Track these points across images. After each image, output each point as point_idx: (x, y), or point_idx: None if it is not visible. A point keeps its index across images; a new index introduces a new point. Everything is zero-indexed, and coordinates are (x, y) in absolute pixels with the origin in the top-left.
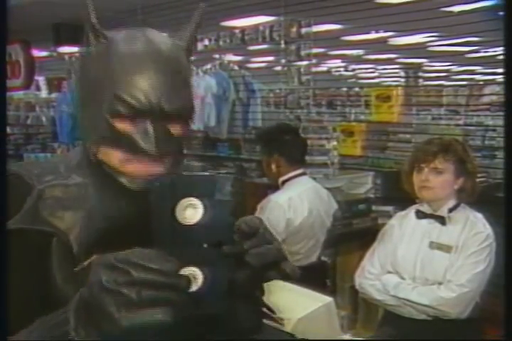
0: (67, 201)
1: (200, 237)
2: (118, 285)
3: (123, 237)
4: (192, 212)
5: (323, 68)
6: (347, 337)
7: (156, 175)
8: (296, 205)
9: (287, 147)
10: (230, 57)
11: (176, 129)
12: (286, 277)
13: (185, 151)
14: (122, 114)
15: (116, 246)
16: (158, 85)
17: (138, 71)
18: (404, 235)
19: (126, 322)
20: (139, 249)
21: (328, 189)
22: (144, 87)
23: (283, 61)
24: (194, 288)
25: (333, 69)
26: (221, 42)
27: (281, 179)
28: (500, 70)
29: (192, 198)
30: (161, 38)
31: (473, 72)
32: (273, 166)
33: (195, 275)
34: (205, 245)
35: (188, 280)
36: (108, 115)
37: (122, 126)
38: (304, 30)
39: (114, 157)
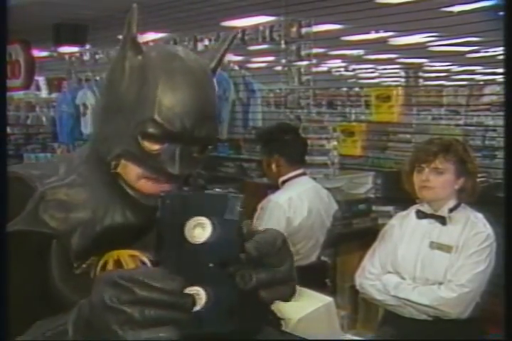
0: (68, 203)
1: (207, 256)
2: (121, 304)
3: (123, 244)
4: (200, 231)
5: (323, 68)
6: (347, 337)
7: (168, 191)
8: (296, 205)
9: (287, 147)
10: (230, 57)
11: (198, 152)
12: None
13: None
14: (153, 135)
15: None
16: (195, 113)
17: (176, 97)
18: (405, 235)
19: (130, 339)
20: (144, 266)
21: (328, 189)
22: (179, 111)
23: (283, 61)
24: (197, 307)
25: (333, 69)
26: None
27: (281, 179)
28: (500, 70)
29: (201, 217)
30: (194, 59)
31: (473, 72)
32: (273, 166)
33: (199, 295)
34: (211, 264)
35: (193, 299)
36: (139, 134)
37: (151, 146)
38: (304, 30)
39: (133, 172)
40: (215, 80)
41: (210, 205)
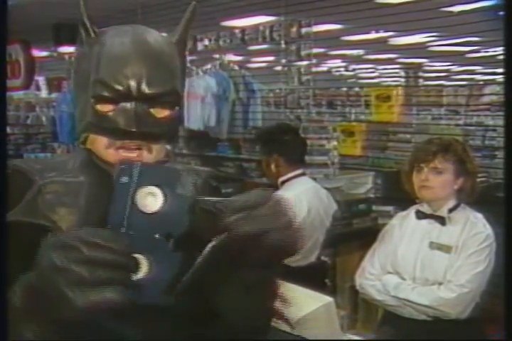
0: (66, 197)
1: (154, 227)
2: (69, 263)
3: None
4: (152, 200)
5: (323, 68)
6: (347, 337)
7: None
8: (296, 205)
9: (287, 147)
10: (230, 57)
11: (160, 114)
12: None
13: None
14: (105, 97)
15: None
16: (140, 71)
17: (121, 58)
18: (405, 235)
19: (80, 302)
20: (91, 227)
21: (328, 189)
22: (125, 71)
23: (283, 61)
24: (138, 275)
25: (333, 69)
26: (221, 42)
27: (280, 179)
28: (500, 70)
29: (154, 187)
30: (148, 32)
31: (473, 72)
32: (272, 166)
33: (141, 264)
34: (156, 236)
35: (137, 263)
36: (92, 99)
37: (104, 108)
38: (304, 30)
39: (99, 144)
40: (179, 52)
41: (165, 178)
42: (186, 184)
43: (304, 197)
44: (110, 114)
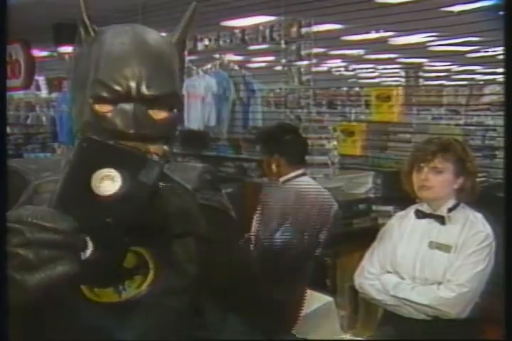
0: None
1: (107, 210)
2: (13, 247)
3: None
4: (109, 183)
5: (323, 68)
6: (347, 336)
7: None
8: None
9: (288, 147)
10: (230, 57)
11: (158, 115)
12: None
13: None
14: (103, 97)
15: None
16: (139, 72)
17: (120, 58)
18: (404, 235)
19: (29, 283)
20: (33, 207)
21: (328, 189)
22: (124, 72)
23: (283, 61)
24: (84, 256)
25: (333, 69)
26: (221, 42)
27: (281, 179)
28: (500, 70)
29: (113, 170)
30: (148, 32)
31: (473, 72)
32: (273, 166)
33: (86, 245)
34: (108, 219)
35: (84, 242)
36: (90, 99)
37: (103, 109)
38: (304, 30)
39: None
40: (178, 53)
41: (128, 162)
42: (151, 172)
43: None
44: (108, 114)
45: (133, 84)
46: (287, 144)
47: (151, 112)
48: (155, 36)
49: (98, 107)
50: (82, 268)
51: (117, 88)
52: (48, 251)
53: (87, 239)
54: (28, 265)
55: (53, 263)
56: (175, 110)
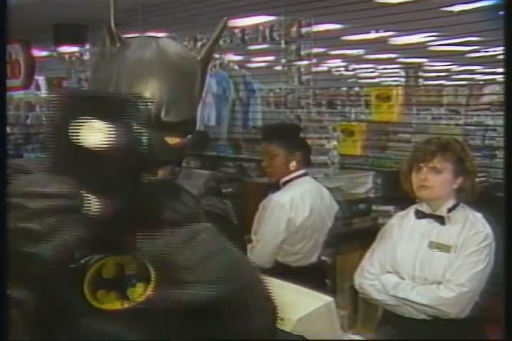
0: None
1: (103, 163)
2: (20, 222)
3: (121, 236)
4: (93, 134)
5: (323, 68)
6: (347, 336)
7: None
8: (298, 205)
9: (306, 145)
10: (230, 56)
11: (173, 141)
12: None
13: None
14: None
15: (111, 245)
16: (160, 97)
17: (143, 80)
18: (404, 235)
19: (45, 254)
20: (31, 176)
21: (329, 189)
22: (145, 96)
23: (283, 61)
24: (88, 212)
25: (333, 69)
26: (221, 42)
27: (283, 179)
28: (500, 70)
29: (94, 120)
30: (175, 48)
31: (473, 72)
32: (293, 163)
33: (91, 204)
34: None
35: (82, 199)
36: None
37: None
38: (304, 30)
39: None
40: (201, 70)
41: (107, 108)
42: (140, 114)
43: (306, 197)
44: None
45: (152, 110)
46: (304, 143)
47: (166, 138)
48: (180, 51)
49: None
50: (98, 227)
51: None
52: (52, 218)
53: (92, 196)
54: (37, 236)
55: (61, 229)
56: (189, 136)
